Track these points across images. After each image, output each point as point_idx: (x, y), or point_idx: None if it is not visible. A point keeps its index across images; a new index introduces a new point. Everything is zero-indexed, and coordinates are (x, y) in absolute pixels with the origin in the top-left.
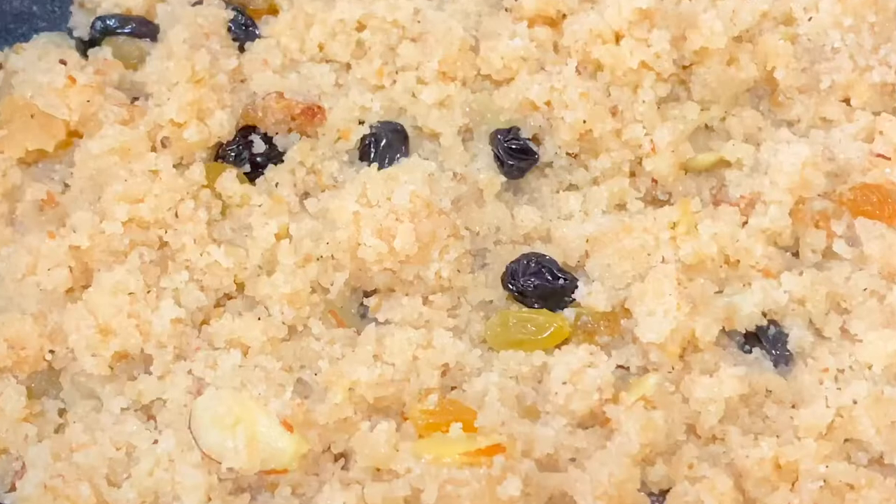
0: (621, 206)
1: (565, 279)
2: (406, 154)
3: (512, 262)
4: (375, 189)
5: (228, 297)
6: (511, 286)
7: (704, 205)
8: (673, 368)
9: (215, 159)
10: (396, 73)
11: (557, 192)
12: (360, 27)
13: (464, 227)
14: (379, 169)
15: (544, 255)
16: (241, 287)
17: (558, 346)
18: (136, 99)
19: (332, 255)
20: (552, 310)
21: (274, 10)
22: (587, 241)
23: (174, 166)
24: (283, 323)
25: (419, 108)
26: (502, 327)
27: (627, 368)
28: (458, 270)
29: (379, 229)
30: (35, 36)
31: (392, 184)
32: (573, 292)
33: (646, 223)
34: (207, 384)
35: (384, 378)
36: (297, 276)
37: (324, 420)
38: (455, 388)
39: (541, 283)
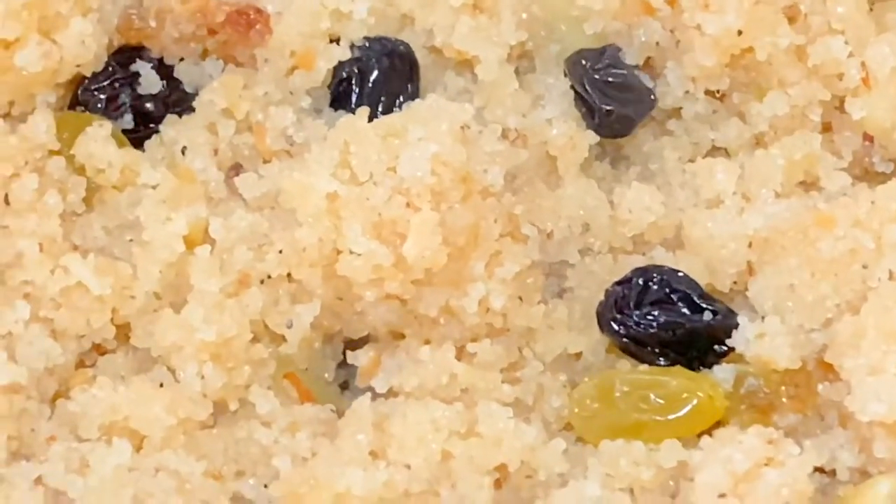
0: (810, 184)
1: (715, 312)
2: (415, 94)
3: (616, 282)
4: (366, 152)
5: (102, 349)
6: (615, 326)
7: None
8: None
9: (72, 106)
10: None
11: (692, 159)
12: None
13: (526, 221)
14: (371, 118)
15: (675, 271)
16: (124, 331)
17: (707, 432)
18: None
19: (287, 274)
20: (693, 367)
21: None
22: (750, 244)
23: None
24: (205, 395)
25: (437, 14)
26: (603, 401)
27: (833, 472)
28: (520, 298)
29: (376, 224)
30: None
31: (396, 142)
32: (729, 335)
33: (858, 212)
34: (72, 502)
35: (393, 490)
36: (225, 312)
37: None
38: None
39: (671, 320)
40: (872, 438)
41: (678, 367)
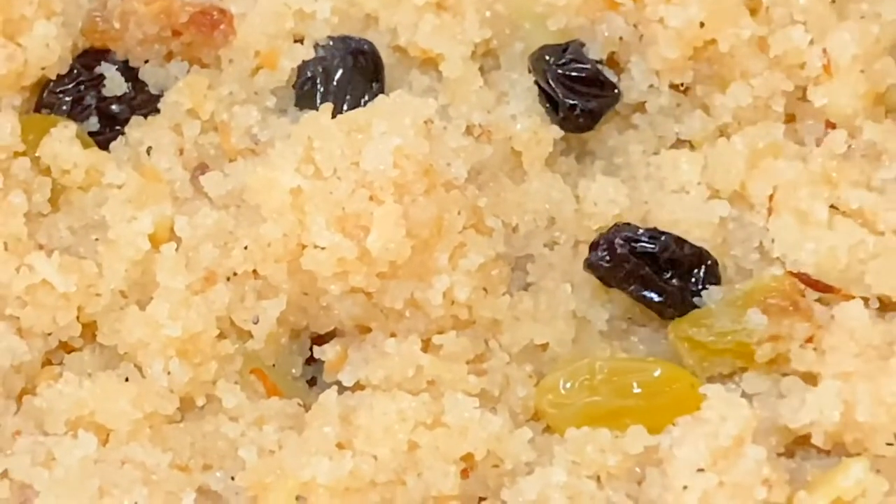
0: None
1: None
2: (380, 93)
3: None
4: (330, 147)
5: (68, 346)
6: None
7: None
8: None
9: (37, 108)
10: None
11: (656, 152)
12: None
13: (491, 214)
14: (335, 114)
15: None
16: (90, 329)
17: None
18: None
19: (253, 270)
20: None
21: None
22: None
23: None
24: (172, 391)
25: (401, 13)
26: (582, 386)
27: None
28: (485, 290)
29: (340, 217)
30: None
31: (360, 137)
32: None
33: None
34: (38, 494)
35: (358, 479)
36: (191, 308)
37: None
38: (485, 498)
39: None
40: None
41: (654, 359)
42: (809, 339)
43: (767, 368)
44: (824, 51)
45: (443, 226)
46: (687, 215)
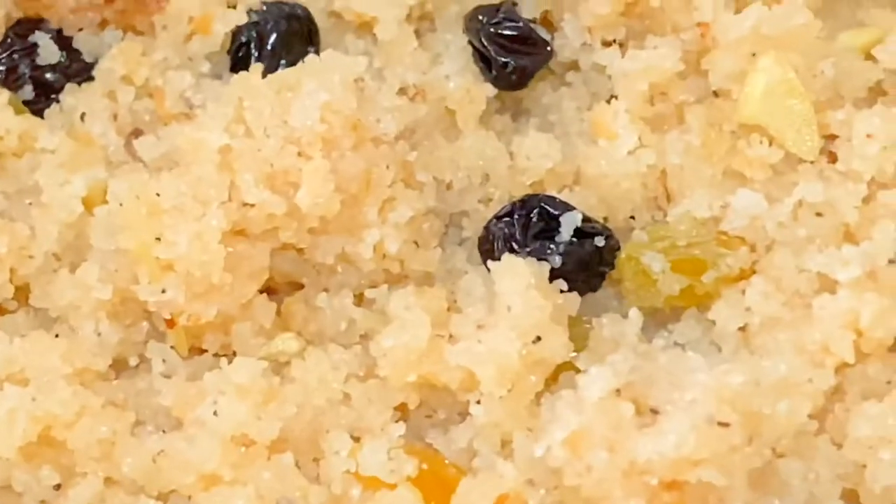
0: (713, 124)
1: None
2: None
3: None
4: (260, 106)
5: (2, 309)
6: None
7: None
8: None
9: None
10: None
11: (590, 107)
12: None
13: (422, 169)
14: (265, 75)
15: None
16: (23, 291)
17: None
18: None
19: None
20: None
21: None
22: (647, 182)
23: None
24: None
25: None
26: None
27: None
28: (416, 243)
29: (269, 174)
30: None
31: (290, 95)
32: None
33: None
34: None
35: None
36: (122, 270)
37: None
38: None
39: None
40: None
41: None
42: (743, 275)
43: (701, 307)
44: None
45: (371, 180)
46: (613, 168)
